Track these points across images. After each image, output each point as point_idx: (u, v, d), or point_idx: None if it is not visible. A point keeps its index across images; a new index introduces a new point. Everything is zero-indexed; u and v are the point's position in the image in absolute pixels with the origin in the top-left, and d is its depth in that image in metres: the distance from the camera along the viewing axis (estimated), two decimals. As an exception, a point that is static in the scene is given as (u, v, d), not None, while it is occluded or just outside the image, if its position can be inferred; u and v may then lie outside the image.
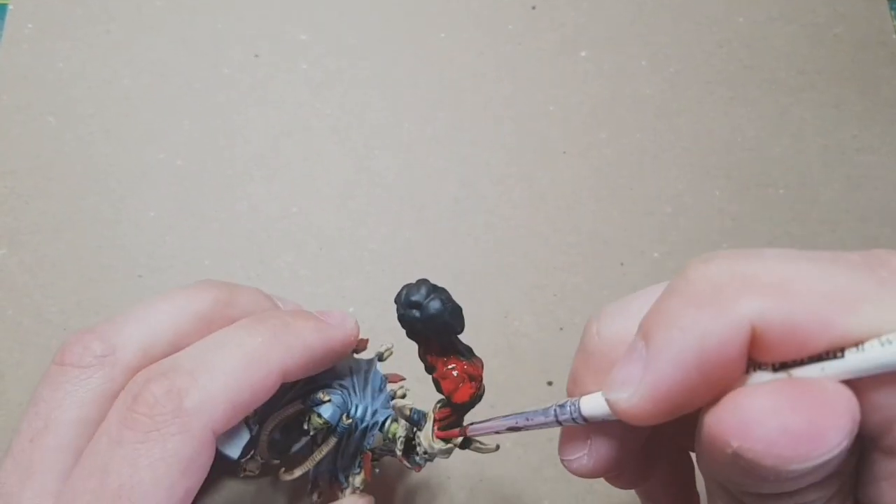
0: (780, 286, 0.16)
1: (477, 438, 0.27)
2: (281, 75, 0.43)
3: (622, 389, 0.17)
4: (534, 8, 0.45)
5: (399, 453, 0.27)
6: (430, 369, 0.25)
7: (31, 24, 0.43)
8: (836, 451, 0.15)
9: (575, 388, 0.21)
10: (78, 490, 0.22)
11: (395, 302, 0.24)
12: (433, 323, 0.23)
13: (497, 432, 0.24)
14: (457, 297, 0.39)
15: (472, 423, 0.25)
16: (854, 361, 0.15)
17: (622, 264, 0.39)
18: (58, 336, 0.37)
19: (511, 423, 0.23)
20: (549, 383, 0.37)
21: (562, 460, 0.22)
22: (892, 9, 0.45)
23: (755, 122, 0.43)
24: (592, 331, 0.20)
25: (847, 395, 0.15)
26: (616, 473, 0.22)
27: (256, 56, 0.43)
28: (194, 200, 0.40)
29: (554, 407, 0.21)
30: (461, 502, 0.35)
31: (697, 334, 0.16)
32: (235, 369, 0.23)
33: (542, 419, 0.22)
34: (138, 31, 0.43)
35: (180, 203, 0.40)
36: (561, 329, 0.38)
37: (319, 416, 0.26)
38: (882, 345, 0.15)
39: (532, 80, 0.43)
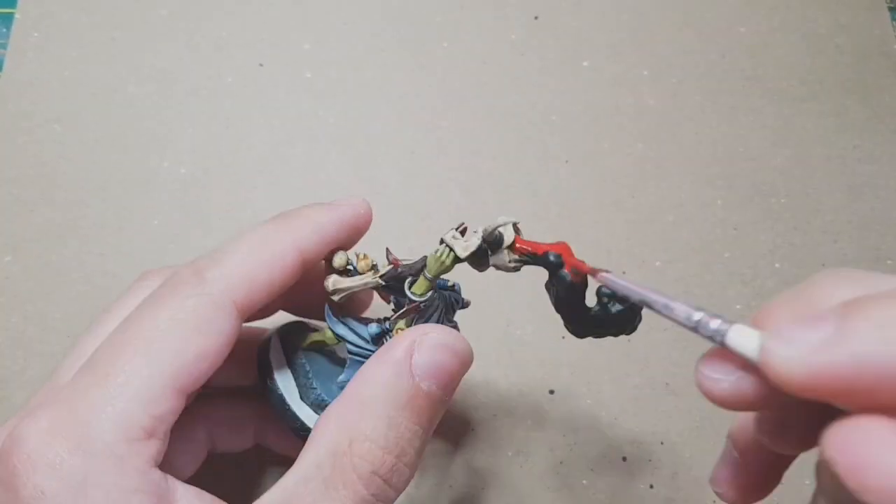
0: None
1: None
2: (284, 84, 0.43)
3: (789, 345, 0.16)
4: (536, 18, 0.45)
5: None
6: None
7: (36, 33, 0.43)
8: None
9: (759, 315, 0.20)
10: (105, 342, 0.24)
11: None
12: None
13: (628, 295, 0.22)
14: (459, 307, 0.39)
15: (608, 274, 0.23)
16: None
17: (624, 273, 0.40)
18: (61, 343, 0.37)
19: (647, 295, 0.21)
20: (551, 392, 0.37)
21: (698, 371, 0.20)
22: (893, 19, 0.45)
23: (757, 132, 0.43)
24: (819, 281, 0.19)
25: None
26: (742, 409, 0.20)
27: (260, 65, 0.43)
28: (198, 208, 0.40)
29: (702, 315, 0.19)
30: (463, 511, 0.35)
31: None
32: (250, 250, 0.26)
33: (681, 314, 0.20)
34: (143, 39, 0.43)
35: (184, 210, 0.40)
36: (563, 338, 0.38)
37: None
38: None
39: (534, 89, 0.43)
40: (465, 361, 0.25)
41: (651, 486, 0.36)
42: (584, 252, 0.39)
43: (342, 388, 0.25)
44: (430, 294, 0.28)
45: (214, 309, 0.24)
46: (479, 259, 0.27)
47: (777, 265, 0.40)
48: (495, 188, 0.41)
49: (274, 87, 0.43)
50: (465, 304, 0.30)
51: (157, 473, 0.22)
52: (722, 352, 0.19)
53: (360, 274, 0.29)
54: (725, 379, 0.19)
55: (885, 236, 0.41)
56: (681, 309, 0.20)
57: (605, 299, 0.26)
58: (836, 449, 0.15)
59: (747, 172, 0.42)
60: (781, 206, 0.41)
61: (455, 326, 0.30)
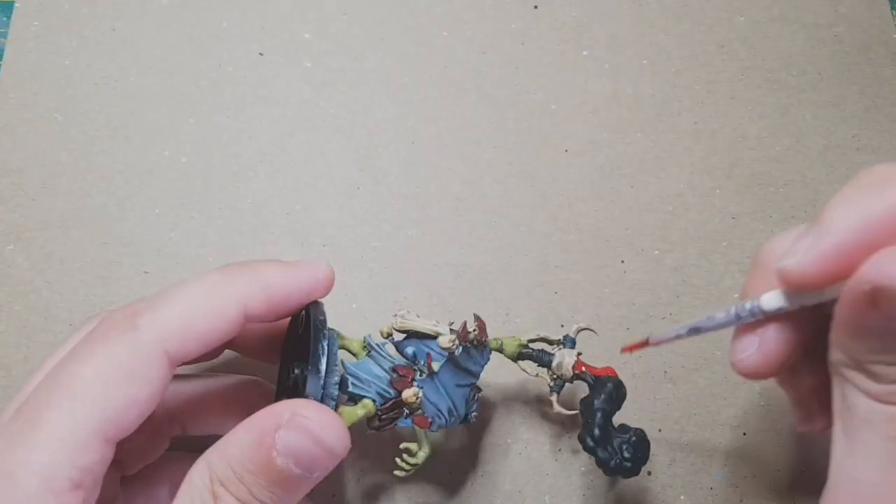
0: None
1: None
2: (285, 73, 0.43)
3: (791, 258, 0.21)
4: (536, 7, 0.45)
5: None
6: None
7: (37, 22, 0.43)
8: None
9: (746, 297, 0.25)
10: (34, 390, 0.24)
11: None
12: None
13: (679, 337, 0.27)
14: (459, 295, 0.40)
15: (651, 336, 0.28)
16: None
17: (623, 262, 0.40)
18: (64, 332, 0.37)
19: (693, 324, 0.26)
20: (550, 380, 0.37)
21: (733, 363, 0.25)
22: (892, 9, 0.46)
23: (756, 122, 0.43)
24: (766, 247, 0.24)
25: None
26: (779, 372, 0.25)
27: (261, 54, 0.43)
28: (199, 198, 0.40)
29: (735, 307, 0.25)
30: (462, 497, 0.35)
31: (861, 207, 0.20)
32: (191, 298, 0.25)
33: (723, 318, 0.25)
34: (144, 29, 0.43)
35: (185, 200, 0.40)
36: (562, 326, 0.38)
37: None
38: None
39: (534, 78, 0.43)
40: (333, 454, 0.24)
41: (649, 473, 0.36)
42: (582, 241, 0.40)
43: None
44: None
45: (144, 357, 0.24)
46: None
47: (775, 254, 0.40)
48: (495, 177, 0.41)
49: (274, 77, 0.43)
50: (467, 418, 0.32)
51: None
52: (741, 332, 0.25)
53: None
54: (753, 349, 0.24)
55: (882, 225, 0.41)
56: (719, 315, 0.25)
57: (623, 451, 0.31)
58: (860, 271, 0.20)
59: (746, 162, 0.42)
60: (780, 195, 0.41)
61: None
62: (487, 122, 0.42)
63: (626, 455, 0.30)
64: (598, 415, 0.31)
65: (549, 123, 0.42)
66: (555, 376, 0.33)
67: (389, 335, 0.31)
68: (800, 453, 0.37)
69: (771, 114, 0.43)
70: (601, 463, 0.30)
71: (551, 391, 0.33)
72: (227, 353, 0.33)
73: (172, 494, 0.29)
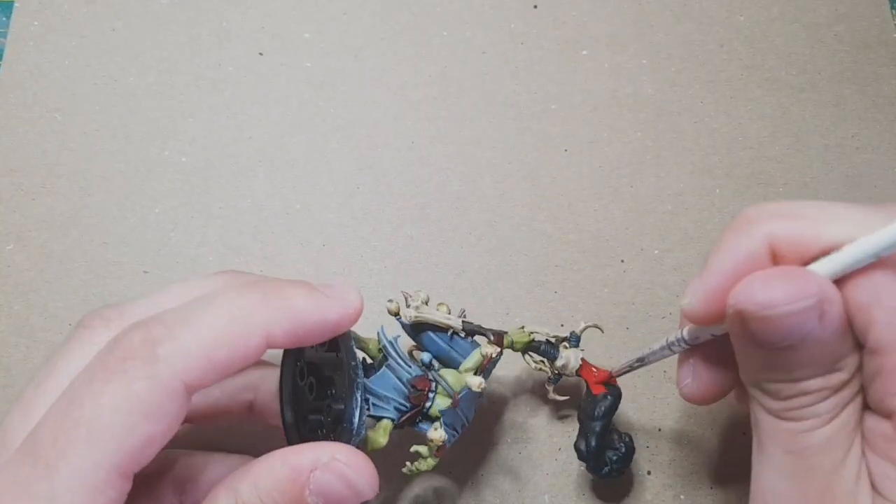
0: (791, 214, 0.23)
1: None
2: (285, 73, 0.43)
3: (685, 298, 0.25)
4: (535, 7, 0.45)
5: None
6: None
7: (37, 22, 0.43)
8: (802, 308, 0.21)
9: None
10: (46, 419, 0.23)
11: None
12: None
13: (631, 367, 0.32)
14: (458, 295, 0.40)
15: (613, 370, 0.33)
16: (834, 261, 0.21)
17: (623, 261, 0.40)
18: (64, 331, 0.37)
19: (638, 356, 0.31)
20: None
21: (679, 388, 0.28)
22: (892, 8, 0.46)
23: (756, 121, 0.43)
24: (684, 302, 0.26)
25: (819, 277, 0.21)
26: (721, 395, 0.28)
27: (261, 54, 0.43)
28: (199, 197, 0.40)
29: (667, 338, 0.29)
30: (462, 496, 0.35)
31: (732, 249, 0.23)
32: (215, 326, 0.23)
33: (657, 349, 0.30)
34: (144, 29, 0.43)
35: (185, 200, 0.40)
36: (562, 325, 0.38)
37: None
38: (852, 247, 0.21)
39: (534, 78, 0.43)
40: (362, 497, 0.25)
41: (649, 473, 0.36)
42: (582, 241, 0.40)
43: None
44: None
45: (163, 393, 0.22)
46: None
47: (775, 254, 0.40)
48: (494, 177, 0.41)
49: (274, 77, 0.43)
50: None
51: None
52: (679, 363, 0.29)
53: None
54: (689, 378, 0.28)
55: (882, 225, 0.41)
56: (656, 347, 0.30)
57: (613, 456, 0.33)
58: (735, 298, 0.22)
59: (746, 161, 0.42)
60: (779, 194, 0.41)
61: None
62: (487, 122, 0.42)
63: (615, 466, 0.33)
64: (597, 427, 0.32)
65: (549, 123, 0.42)
66: (556, 371, 0.33)
67: (397, 314, 0.32)
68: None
69: (771, 113, 0.43)
70: (591, 470, 0.33)
71: (550, 381, 0.34)
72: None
73: (176, 492, 0.29)
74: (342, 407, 0.27)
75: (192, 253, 0.39)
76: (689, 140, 0.42)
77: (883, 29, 0.45)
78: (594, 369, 0.33)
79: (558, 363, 0.33)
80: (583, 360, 0.33)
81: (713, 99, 0.43)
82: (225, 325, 0.23)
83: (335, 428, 0.28)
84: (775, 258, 0.23)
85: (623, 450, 0.33)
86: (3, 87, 0.42)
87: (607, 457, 0.33)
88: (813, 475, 0.22)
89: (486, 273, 0.39)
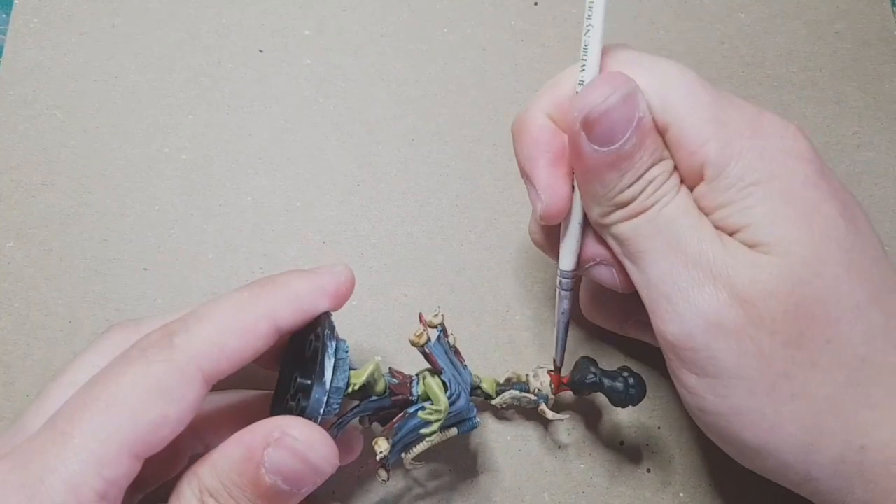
0: (548, 86, 0.31)
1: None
2: (285, 70, 0.43)
3: (537, 207, 0.29)
4: (536, 4, 0.45)
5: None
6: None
7: (36, 19, 0.43)
8: (631, 90, 0.26)
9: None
10: (70, 400, 0.24)
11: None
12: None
13: (559, 337, 0.33)
14: (459, 293, 0.40)
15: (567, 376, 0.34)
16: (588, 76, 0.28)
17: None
18: (64, 328, 0.37)
19: (560, 328, 0.33)
20: (550, 377, 0.37)
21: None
22: (893, 6, 0.45)
23: (756, 119, 0.43)
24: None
25: (625, 74, 0.27)
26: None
27: (261, 51, 0.43)
28: (199, 195, 0.40)
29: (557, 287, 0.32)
30: (462, 495, 0.35)
31: (528, 145, 0.30)
32: (223, 317, 0.26)
33: (559, 300, 0.32)
34: (144, 25, 0.43)
35: (185, 197, 0.40)
36: (562, 323, 0.38)
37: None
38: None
39: (534, 75, 0.43)
40: (320, 473, 0.25)
41: (648, 471, 0.36)
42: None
43: None
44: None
45: (180, 376, 0.24)
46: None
47: (775, 251, 0.40)
48: (495, 175, 0.41)
49: (274, 74, 0.43)
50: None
51: None
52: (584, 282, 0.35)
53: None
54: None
55: (883, 223, 0.41)
56: (559, 308, 0.33)
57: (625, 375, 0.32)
58: (577, 108, 0.26)
59: (746, 159, 0.42)
60: (780, 192, 0.41)
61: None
62: (487, 119, 0.42)
63: (631, 383, 0.32)
64: (592, 366, 0.33)
65: (549, 120, 0.42)
66: (536, 393, 0.34)
67: (424, 344, 0.31)
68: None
69: (772, 110, 0.43)
70: (611, 391, 0.32)
71: (538, 404, 0.34)
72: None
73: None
74: (308, 382, 0.27)
75: (192, 250, 0.39)
76: (689, 137, 0.42)
77: (884, 26, 0.45)
78: (557, 376, 0.34)
79: (533, 390, 0.34)
80: (549, 372, 0.34)
81: (714, 96, 0.43)
82: (232, 315, 0.26)
83: (301, 406, 0.27)
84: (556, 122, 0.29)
85: (630, 376, 0.32)
86: (2, 85, 0.41)
87: (622, 377, 0.32)
88: (680, 240, 0.26)
89: (485, 271, 0.39)
